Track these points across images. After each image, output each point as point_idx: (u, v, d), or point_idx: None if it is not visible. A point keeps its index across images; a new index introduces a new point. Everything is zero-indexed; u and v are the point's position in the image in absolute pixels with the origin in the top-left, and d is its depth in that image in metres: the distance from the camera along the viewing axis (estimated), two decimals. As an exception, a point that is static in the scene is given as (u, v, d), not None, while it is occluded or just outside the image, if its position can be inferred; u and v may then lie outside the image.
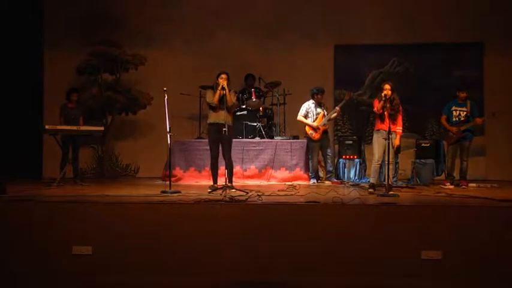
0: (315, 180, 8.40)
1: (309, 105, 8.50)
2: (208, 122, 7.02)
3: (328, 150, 8.53)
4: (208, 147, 7.59)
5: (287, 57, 10.07)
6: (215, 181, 7.04)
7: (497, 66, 9.99)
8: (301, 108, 8.50)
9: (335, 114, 8.63)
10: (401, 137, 6.89)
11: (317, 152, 8.49)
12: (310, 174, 8.46)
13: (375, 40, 10.14)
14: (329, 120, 8.62)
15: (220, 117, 6.73)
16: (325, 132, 8.52)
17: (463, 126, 7.88)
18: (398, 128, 6.73)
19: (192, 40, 10.27)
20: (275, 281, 4.72)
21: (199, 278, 4.78)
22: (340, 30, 10.16)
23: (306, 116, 8.46)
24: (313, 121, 8.43)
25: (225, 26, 10.20)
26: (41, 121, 9.38)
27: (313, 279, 4.76)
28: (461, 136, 7.89)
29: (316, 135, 8.39)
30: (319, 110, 8.48)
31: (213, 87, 6.92)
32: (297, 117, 8.59)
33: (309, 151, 8.49)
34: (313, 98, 8.53)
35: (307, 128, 8.45)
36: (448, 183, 7.87)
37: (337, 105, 8.76)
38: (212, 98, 6.84)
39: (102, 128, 8.61)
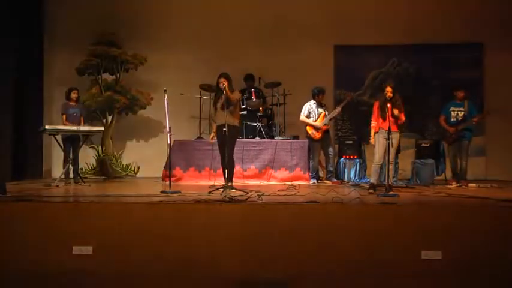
0: (315, 180, 8.41)
1: (310, 105, 8.51)
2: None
3: (330, 150, 8.56)
4: (208, 147, 7.70)
5: (287, 57, 10.07)
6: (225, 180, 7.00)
7: (497, 66, 9.99)
8: (303, 109, 8.52)
9: (336, 114, 8.65)
10: (402, 128, 6.90)
11: (318, 151, 8.51)
12: (310, 174, 8.47)
13: (375, 40, 10.14)
14: (330, 119, 8.64)
15: (222, 118, 6.73)
16: (326, 131, 8.55)
17: (461, 125, 7.89)
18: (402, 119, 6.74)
19: (192, 40, 10.27)
20: (275, 281, 4.72)
21: (199, 278, 4.78)
22: (340, 30, 10.16)
23: (308, 116, 8.48)
24: (315, 121, 8.45)
25: (225, 26, 10.20)
26: (41, 121, 9.39)
27: (313, 279, 4.76)
28: (459, 135, 7.90)
29: (317, 135, 8.40)
30: (320, 110, 8.50)
31: (216, 91, 6.99)
32: (298, 117, 8.60)
33: (310, 151, 8.50)
34: (314, 98, 8.55)
35: (308, 127, 8.46)
36: (454, 183, 7.90)
37: (338, 105, 8.73)
38: (214, 104, 6.93)
39: (102, 128, 8.62)
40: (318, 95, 8.51)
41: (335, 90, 10.25)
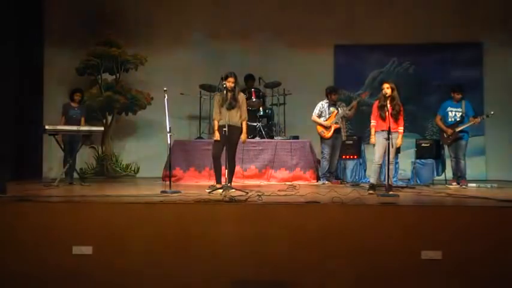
0: (325, 181, 8.33)
1: (322, 104, 8.43)
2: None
3: (337, 151, 8.46)
4: (208, 147, 7.86)
5: (287, 57, 10.07)
6: (217, 180, 7.00)
7: (497, 66, 9.99)
8: (315, 108, 8.42)
9: (349, 112, 8.45)
10: (402, 136, 6.88)
11: (329, 151, 8.38)
12: (321, 174, 8.42)
13: (375, 40, 10.14)
14: (343, 117, 8.42)
15: (224, 118, 6.72)
16: (337, 131, 8.39)
17: (458, 127, 7.91)
18: (400, 128, 6.71)
19: (192, 40, 10.27)
20: (275, 281, 4.72)
21: (199, 278, 4.78)
22: (340, 30, 10.16)
23: (319, 116, 8.41)
24: (326, 120, 8.38)
25: (225, 26, 10.19)
26: (41, 121, 9.40)
27: (313, 279, 4.76)
28: (457, 136, 7.93)
29: (326, 133, 8.33)
30: (332, 109, 8.39)
31: (219, 90, 6.95)
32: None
33: (322, 151, 8.44)
34: (327, 98, 8.48)
35: (318, 126, 8.40)
36: (455, 183, 7.92)
37: (349, 105, 8.59)
38: (218, 103, 6.87)
39: (102, 128, 8.61)
40: (330, 94, 8.42)
41: (335, 90, 10.23)
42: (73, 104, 8.25)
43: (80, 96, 8.33)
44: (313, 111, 8.42)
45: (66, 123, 8.01)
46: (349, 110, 8.44)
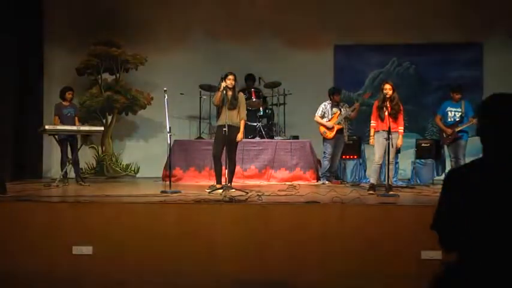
0: (326, 180, 8.32)
1: (325, 105, 8.39)
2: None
3: (339, 151, 8.43)
4: (208, 147, 7.73)
5: (287, 57, 10.06)
6: (217, 180, 6.99)
7: (497, 66, 9.98)
8: (318, 109, 8.38)
9: (352, 113, 8.42)
10: (402, 136, 6.88)
11: (331, 151, 8.34)
12: (321, 173, 8.41)
13: (375, 40, 10.13)
14: (346, 117, 8.39)
15: (224, 118, 6.72)
16: (340, 131, 8.36)
17: (458, 127, 7.91)
18: (400, 128, 6.71)
19: (193, 40, 10.26)
20: (275, 281, 4.72)
21: (199, 278, 4.78)
22: (340, 30, 10.15)
23: (322, 117, 8.37)
24: (329, 120, 8.37)
25: (225, 26, 10.18)
26: (41, 121, 9.39)
27: (313, 279, 4.75)
28: (456, 136, 7.93)
29: (328, 134, 8.30)
30: (335, 109, 8.36)
31: (218, 89, 6.97)
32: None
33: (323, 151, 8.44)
34: (330, 98, 8.46)
35: (320, 127, 8.37)
36: None
37: (352, 105, 8.54)
38: (216, 100, 6.88)
39: (102, 128, 8.61)
40: (333, 95, 8.37)
41: (335, 91, 10.22)
42: (65, 103, 8.23)
43: (72, 95, 8.30)
44: (314, 112, 8.41)
45: (60, 123, 7.98)
46: (352, 111, 8.44)
